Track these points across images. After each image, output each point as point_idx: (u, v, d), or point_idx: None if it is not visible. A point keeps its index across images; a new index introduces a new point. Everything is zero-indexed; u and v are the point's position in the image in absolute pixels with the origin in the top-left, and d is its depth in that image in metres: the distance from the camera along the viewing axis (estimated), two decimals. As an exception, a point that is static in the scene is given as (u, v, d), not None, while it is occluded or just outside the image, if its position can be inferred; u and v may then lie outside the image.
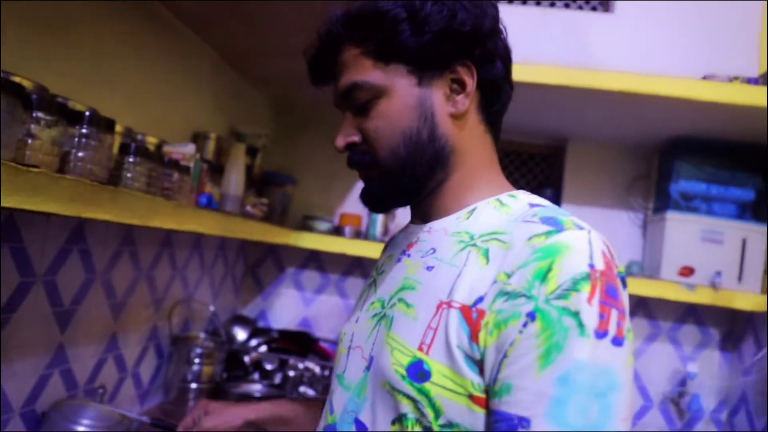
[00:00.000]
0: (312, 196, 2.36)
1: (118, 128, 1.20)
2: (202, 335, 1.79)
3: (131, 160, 1.10)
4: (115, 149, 1.12)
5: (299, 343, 2.06)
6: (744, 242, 1.95)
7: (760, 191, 1.98)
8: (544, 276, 0.56)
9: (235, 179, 1.63)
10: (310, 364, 1.90)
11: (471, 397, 0.58)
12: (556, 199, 2.29)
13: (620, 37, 2.28)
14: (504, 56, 0.76)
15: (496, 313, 0.58)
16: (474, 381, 0.58)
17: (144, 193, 1.10)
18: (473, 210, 0.72)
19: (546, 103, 1.89)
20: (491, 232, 0.65)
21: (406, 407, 0.61)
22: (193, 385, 1.63)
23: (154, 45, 1.47)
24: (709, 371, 2.16)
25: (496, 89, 0.75)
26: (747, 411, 2.00)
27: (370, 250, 2.05)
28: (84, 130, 0.96)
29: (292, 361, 1.89)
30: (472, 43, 0.70)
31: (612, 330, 0.54)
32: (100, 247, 1.35)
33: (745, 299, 1.88)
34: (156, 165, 1.18)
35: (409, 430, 0.61)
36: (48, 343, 1.21)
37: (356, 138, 0.75)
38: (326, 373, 1.91)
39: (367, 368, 0.69)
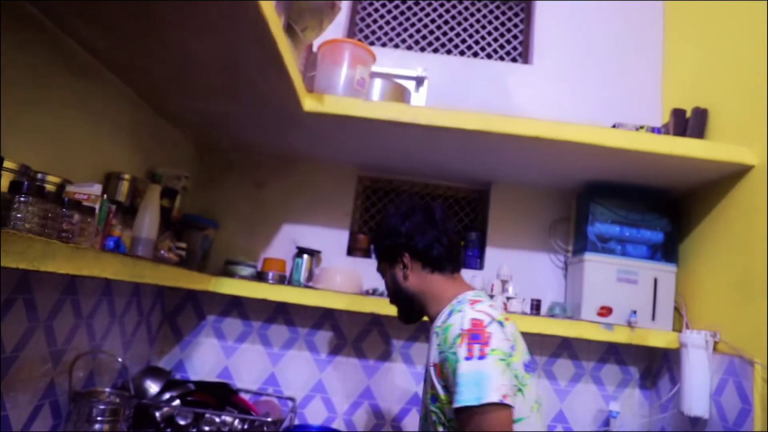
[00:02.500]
0: (235, 240, 2.29)
1: (12, 165, 1.12)
2: (107, 390, 1.65)
3: (22, 199, 1.02)
4: (6, 187, 1.04)
5: (217, 395, 1.93)
6: (656, 282, 2.05)
7: (668, 233, 2.10)
8: (446, 341, 1.21)
9: (147, 222, 1.55)
10: (228, 418, 1.79)
11: (449, 402, 1.19)
12: (481, 242, 2.33)
13: (538, 87, 2.41)
14: (424, 231, 1.38)
15: (439, 362, 1.24)
16: (446, 396, 1.21)
17: (36, 235, 1.01)
18: (442, 313, 1.32)
19: (469, 148, 1.94)
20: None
21: (436, 415, 1.25)
22: (94, 448, 1.48)
23: (64, 80, 1.40)
24: (630, 409, 2.20)
25: (426, 254, 1.37)
26: (666, 448, 2.05)
27: (294, 295, 1.99)
28: (-36, 166, 0.88)
29: (208, 415, 1.77)
30: (403, 246, 1.39)
31: (475, 354, 1.14)
32: (-13, 295, 1.23)
33: (659, 337, 1.96)
34: (53, 206, 1.10)
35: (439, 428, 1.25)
36: None
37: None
38: (245, 426, 1.80)
39: (424, 407, 1.33)
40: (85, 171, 1.52)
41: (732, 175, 1.85)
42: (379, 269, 1.47)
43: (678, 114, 2.01)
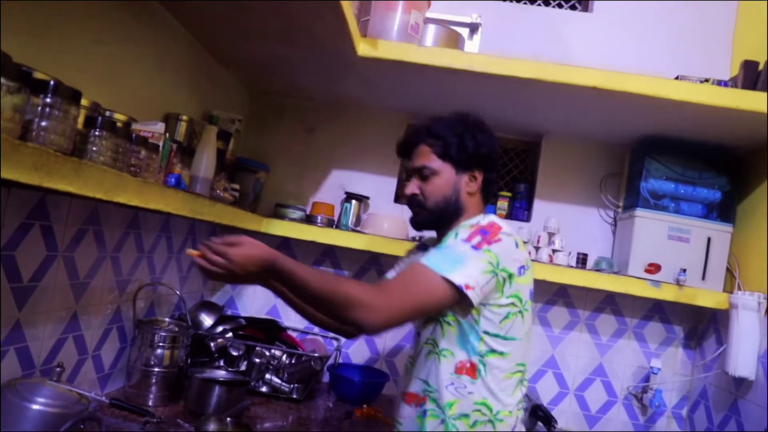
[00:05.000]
0: (285, 183, 2.34)
1: (85, 102, 1.17)
2: (167, 320, 1.76)
3: (97, 133, 1.07)
4: (81, 123, 1.10)
5: (266, 330, 2.03)
6: (709, 241, 2.00)
7: (726, 192, 2.03)
8: (455, 231, 1.22)
9: (205, 162, 1.60)
10: (277, 352, 1.88)
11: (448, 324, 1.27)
12: (529, 194, 2.31)
13: (597, 36, 2.31)
14: (498, 168, 1.40)
15: None
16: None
17: (110, 168, 1.07)
18: None
19: (522, 98, 1.90)
20: None
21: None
22: (156, 370, 1.59)
23: (128, 23, 1.43)
24: (671, 367, 2.20)
25: (491, 183, 1.37)
26: (706, 407, 2.05)
27: (342, 238, 2.04)
28: (48, 100, 0.93)
29: (258, 348, 1.87)
30: (484, 162, 1.34)
31: (473, 242, 1.16)
32: (62, 224, 1.32)
33: (708, 297, 1.93)
34: (123, 141, 1.15)
35: None
36: (3, 320, 1.17)
37: (417, 191, 1.35)
38: (293, 360, 1.89)
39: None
40: (144, 111, 1.57)
41: (802, 133, 1.76)
42: (428, 167, 1.32)
43: (749, 66, 1.90)
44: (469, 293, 1.11)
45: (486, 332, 1.20)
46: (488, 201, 1.40)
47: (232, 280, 1.16)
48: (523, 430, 1.29)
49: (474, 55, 1.77)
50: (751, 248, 1.95)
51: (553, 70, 1.70)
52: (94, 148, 1.06)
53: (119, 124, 1.25)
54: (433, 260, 1.14)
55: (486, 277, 1.14)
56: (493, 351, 1.21)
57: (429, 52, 1.74)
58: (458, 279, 1.10)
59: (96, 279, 1.48)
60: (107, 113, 1.27)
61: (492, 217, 1.23)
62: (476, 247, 1.15)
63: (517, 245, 1.22)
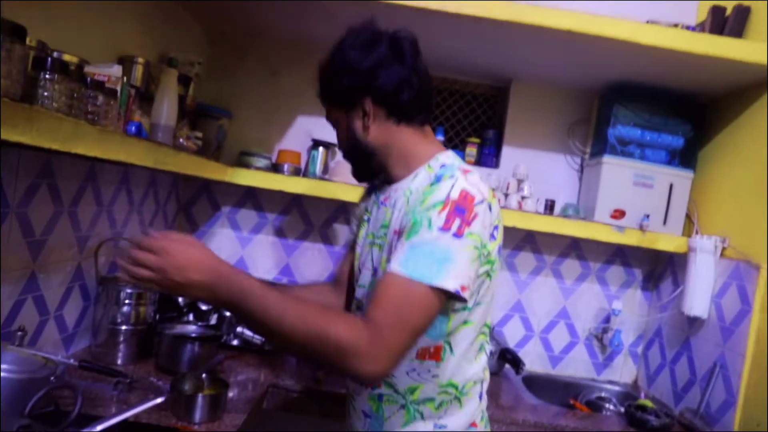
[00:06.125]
0: (249, 131, 2.24)
1: (30, 41, 1.05)
2: (132, 275, 1.69)
3: (48, 76, 0.97)
4: (29, 65, 0.99)
5: (237, 283, 1.99)
6: (671, 187, 2.05)
7: (689, 139, 2.07)
8: (422, 203, 0.98)
9: (166, 108, 1.50)
10: (250, 305, 1.85)
11: None
12: (498, 141, 2.30)
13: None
14: (401, 75, 1.06)
15: (401, 225, 1.03)
16: None
17: (65, 116, 0.97)
18: (416, 174, 1.10)
19: (493, 40, 1.85)
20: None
21: None
22: (123, 327, 1.54)
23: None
24: (630, 308, 2.30)
25: (394, 99, 1.08)
26: (660, 344, 2.17)
27: (310, 187, 1.98)
28: (-14, 37, 0.82)
29: (229, 301, 1.83)
30: (364, 85, 1.07)
31: (453, 229, 0.94)
32: (13, 178, 1.21)
33: (668, 241, 2.00)
34: (78, 85, 1.05)
35: None
36: (-45, 283, 1.08)
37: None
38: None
39: (374, 275, 1.12)
40: (95, 53, 1.44)
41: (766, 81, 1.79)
42: (330, 118, 1.15)
43: (716, 12, 1.90)
44: (465, 294, 0.94)
45: (454, 311, 1.03)
46: (413, 116, 1.10)
47: (167, 285, 0.91)
48: (485, 392, 1.17)
49: (447, -5, 1.70)
50: (710, 194, 2.02)
51: (529, 12, 1.65)
52: (46, 93, 0.96)
53: (72, 67, 1.14)
54: (414, 266, 0.92)
55: (475, 266, 0.97)
56: (458, 327, 1.05)
57: (401, -9, 1.66)
58: (452, 284, 0.91)
59: (53, 235, 1.39)
60: (55, 54, 1.15)
61: (460, 181, 0.98)
62: (458, 235, 0.94)
63: (490, 208, 1.00)
